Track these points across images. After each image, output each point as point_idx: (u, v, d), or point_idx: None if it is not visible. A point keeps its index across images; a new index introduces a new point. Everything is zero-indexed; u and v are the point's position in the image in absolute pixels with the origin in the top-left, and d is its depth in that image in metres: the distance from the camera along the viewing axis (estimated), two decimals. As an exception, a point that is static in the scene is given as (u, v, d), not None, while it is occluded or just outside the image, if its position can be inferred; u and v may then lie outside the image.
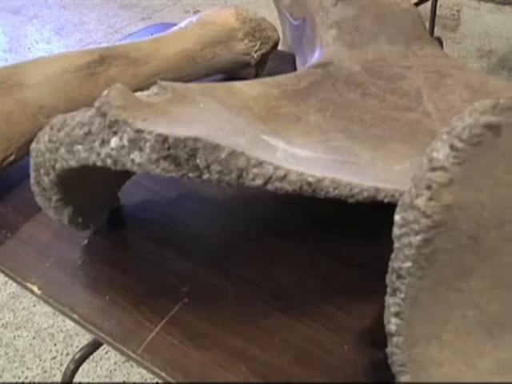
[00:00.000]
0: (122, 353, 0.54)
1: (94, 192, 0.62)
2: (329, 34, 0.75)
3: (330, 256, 0.59)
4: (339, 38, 0.74)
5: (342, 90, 0.68)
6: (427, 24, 1.95)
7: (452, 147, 0.41)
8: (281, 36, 0.89)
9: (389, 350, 0.45)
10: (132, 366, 1.16)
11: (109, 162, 0.47)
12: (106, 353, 1.18)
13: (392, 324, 0.44)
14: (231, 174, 0.44)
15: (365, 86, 0.70)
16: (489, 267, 0.44)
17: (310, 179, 0.45)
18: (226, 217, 0.66)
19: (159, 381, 0.51)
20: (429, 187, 0.41)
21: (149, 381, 1.13)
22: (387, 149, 0.60)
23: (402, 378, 0.44)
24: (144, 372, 1.16)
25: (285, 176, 0.45)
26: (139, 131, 0.46)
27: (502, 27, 2.34)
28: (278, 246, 0.61)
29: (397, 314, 0.44)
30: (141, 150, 0.45)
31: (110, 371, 1.15)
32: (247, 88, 0.62)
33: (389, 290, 0.44)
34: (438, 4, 1.98)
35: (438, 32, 2.00)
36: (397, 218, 0.43)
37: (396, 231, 0.43)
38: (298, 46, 0.85)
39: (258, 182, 0.44)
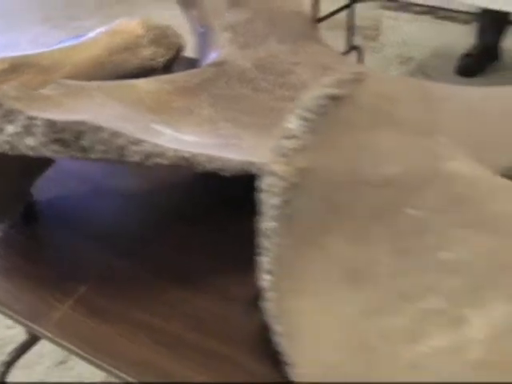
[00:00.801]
0: (35, 330, 0.58)
1: (2, 189, 0.66)
2: (223, 36, 0.81)
3: (232, 238, 0.65)
4: (233, 40, 0.80)
5: (234, 85, 0.74)
6: (345, 34, 2.04)
7: (302, 118, 0.47)
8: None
9: (263, 304, 0.50)
10: (64, 369, 1.19)
11: (7, 147, 0.52)
12: (40, 358, 1.21)
13: (264, 280, 0.50)
14: (113, 152, 0.50)
15: (256, 82, 0.76)
16: (347, 224, 0.50)
17: (185, 155, 0.51)
18: (138, 209, 0.71)
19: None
20: (283, 154, 0.47)
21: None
22: (271, 135, 0.66)
23: (275, 327, 0.50)
24: (75, 374, 1.19)
25: (162, 153, 0.51)
26: (31, 118, 0.51)
27: (419, 36, 2.46)
28: (188, 232, 0.66)
29: (267, 271, 0.50)
30: (33, 134, 0.50)
31: (44, 375, 1.18)
32: (142, 84, 0.68)
33: (259, 250, 0.50)
34: (359, 16, 2.08)
35: (358, 42, 2.10)
36: (260, 184, 0.49)
37: (260, 196, 0.49)
38: (203, 51, 0.91)
39: (137, 158, 0.50)
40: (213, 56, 0.80)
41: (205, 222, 0.67)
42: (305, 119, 0.47)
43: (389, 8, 2.65)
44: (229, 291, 0.60)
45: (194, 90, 0.71)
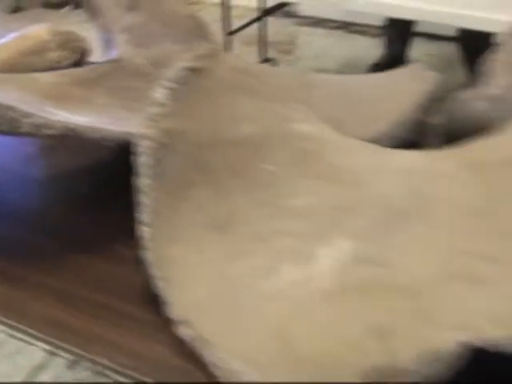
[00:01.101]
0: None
1: None
2: (121, 38, 0.89)
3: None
4: (130, 41, 0.89)
5: (129, 79, 0.83)
6: (257, 47, 2.15)
7: (166, 87, 0.56)
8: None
9: (144, 253, 0.58)
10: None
11: None
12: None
13: (143, 232, 0.58)
14: (6, 125, 0.57)
15: (150, 76, 0.84)
16: (210, 179, 0.59)
17: (71, 126, 0.59)
18: (47, 191, 0.79)
19: None
20: (151, 119, 0.56)
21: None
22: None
23: (154, 273, 0.57)
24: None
25: (51, 124, 0.59)
26: None
27: (332, 49, 2.61)
28: (91, 210, 0.74)
29: (145, 224, 0.58)
30: None
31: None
32: (43, 76, 0.76)
33: (137, 205, 0.58)
34: (275, 31, 2.19)
35: (273, 55, 2.22)
36: (135, 147, 0.57)
37: (136, 158, 0.57)
38: (105, 55, 1.00)
39: (28, 129, 0.57)
40: (111, 55, 0.89)
41: (108, 200, 0.75)
42: (168, 88, 0.55)
43: (304, 24, 2.79)
44: (121, 254, 0.67)
45: (92, 82, 0.79)
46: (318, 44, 2.63)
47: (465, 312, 0.49)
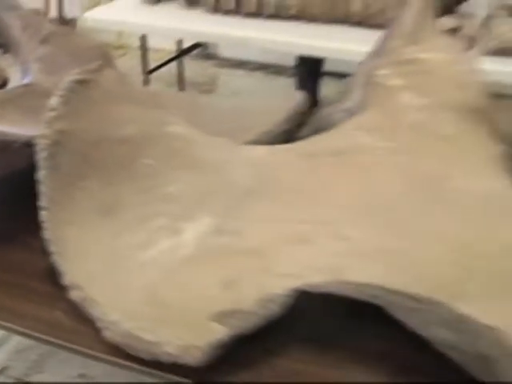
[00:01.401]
0: None
1: None
2: (35, 67, 1.02)
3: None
4: (41, 69, 1.02)
5: (39, 99, 0.95)
6: (177, 87, 2.31)
7: (58, 95, 0.69)
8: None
9: (43, 233, 0.70)
10: None
11: None
12: None
13: (42, 215, 0.70)
14: None
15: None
16: (98, 171, 0.71)
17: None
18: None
19: None
20: (46, 121, 0.68)
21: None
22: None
23: (51, 249, 0.69)
24: None
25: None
26: None
27: (250, 88, 2.79)
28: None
29: (43, 208, 0.70)
30: None
31: None
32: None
33: (37, 194, 0.70)
34: (196, 72, 2.36)
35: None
36: (36, 146, 0.69)
37: (36, 154, 0.69)
38: (22, 82, 1.12)
39: None
40: (26, 81, 1.01)
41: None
42: (60, 96, 0.69)
43: (225, 66, 2.98)
44: (29, 243, 0.79)
45: (6, 101, 0.91)
46: (237, 84, 2.81)
47: (295, 265, 0.63)
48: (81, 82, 0.70)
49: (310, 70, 2.50)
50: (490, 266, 0.59)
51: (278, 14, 1.91)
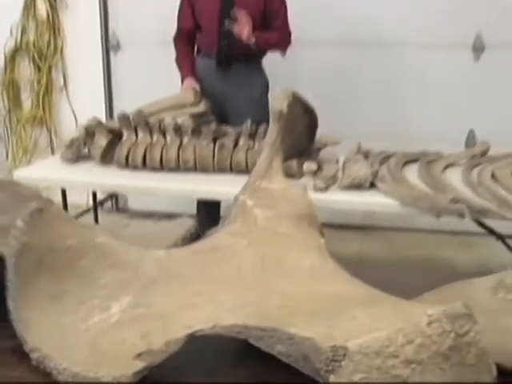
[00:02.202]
0: None
1: None
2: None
3: None
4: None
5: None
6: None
7: (22, 219, 1.02)
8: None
9: (10, 315, 1.00)
10: None
11: None
12: None
13: (9, 304, 1.00)
14: None
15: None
16: (49, 271, 1.04)
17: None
18: None
19: None
20: (14, 236, 1.01)
21: None
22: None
23: (15, 326, 0.99)
24: None
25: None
26: None
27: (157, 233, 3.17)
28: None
29: (10, 298, 1.00)
30: None
31: None
32: None
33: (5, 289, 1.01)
34: (109, 223, 2.69)
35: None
36: (5, 255, 1.02)
37: (6, 260, 1.01)
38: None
39: None
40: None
41: None
42: (24, 219, 1.02)
43: (134, 217, 3.36)
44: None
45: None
46: (144, 231, 3.18)
47: (188, 321, 0.97)
48: (38, 210, 1.04)
49: (209, 214, 2.91)
50: (313, 307, 0.94)
51: (178, 167, 2.32)
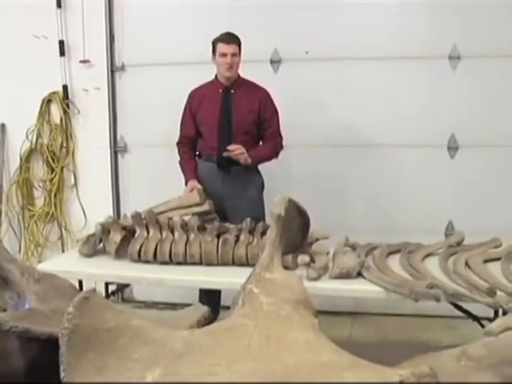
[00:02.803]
0: None
1: None
2: (31, 298, 1.60)
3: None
4: (37, 299, 1.59)
5: (41, 318, 1.51)
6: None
7: (72, 306, 1.28)
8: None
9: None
10: None
11: None
12: None
13: (62, 374, 1.24)
14: None
15: (51, 319, 1.54)
16: (97, 347, 1.28)
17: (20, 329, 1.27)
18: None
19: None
20: (67, 319, 1.27)
21: None
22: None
23: None
24: None
25: None
26: None
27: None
28: None
29: (63, 370, 1.24)
30: None
31: None
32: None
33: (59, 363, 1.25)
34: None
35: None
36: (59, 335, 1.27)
37: (60, 339, 1.26)
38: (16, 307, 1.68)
39: None
40: (26, 307, 1.58)
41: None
42: (74, 306, 1.27)
43: (140, 307, 3.56)
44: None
45: (20, 318, 1.47)
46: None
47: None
48: (85, 298, 1.29)
49: (209, 302, 3.12)
50: (309, 372, 1.19)
51: (186, 261, 2.57)
